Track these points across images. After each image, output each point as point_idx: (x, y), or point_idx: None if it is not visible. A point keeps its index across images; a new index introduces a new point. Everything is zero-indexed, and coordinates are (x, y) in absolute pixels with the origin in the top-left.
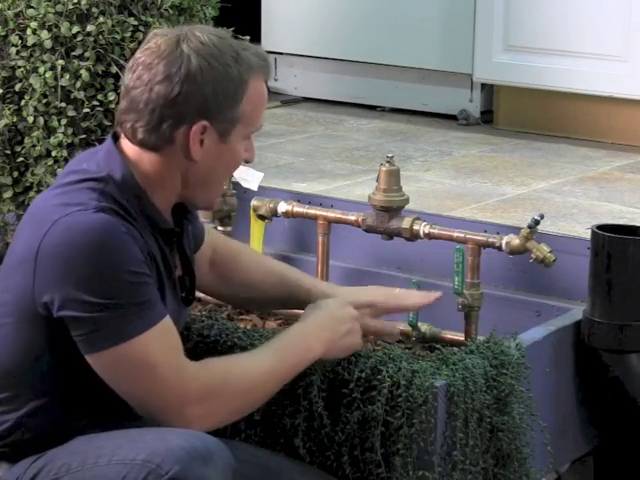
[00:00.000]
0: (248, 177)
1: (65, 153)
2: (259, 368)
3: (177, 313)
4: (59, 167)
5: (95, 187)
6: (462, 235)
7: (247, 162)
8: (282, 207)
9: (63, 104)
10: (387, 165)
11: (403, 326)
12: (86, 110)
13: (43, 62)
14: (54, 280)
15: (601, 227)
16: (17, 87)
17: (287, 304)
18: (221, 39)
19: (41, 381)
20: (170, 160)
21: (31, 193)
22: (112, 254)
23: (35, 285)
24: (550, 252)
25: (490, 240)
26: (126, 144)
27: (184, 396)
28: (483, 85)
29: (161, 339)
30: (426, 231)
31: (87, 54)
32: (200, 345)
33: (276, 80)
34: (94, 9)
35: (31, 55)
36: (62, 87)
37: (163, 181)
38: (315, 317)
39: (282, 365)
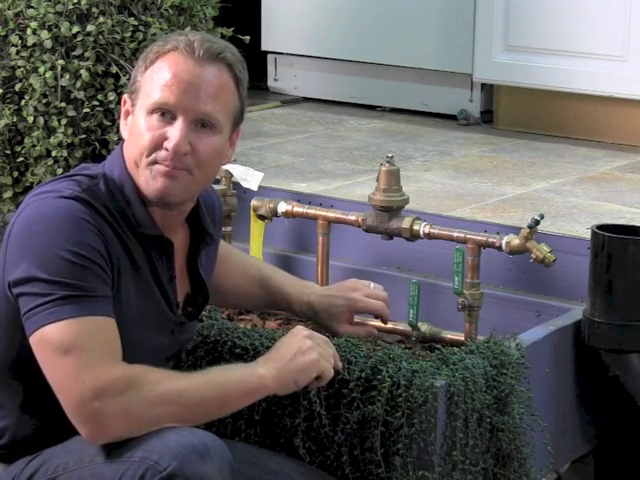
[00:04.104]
0: (248, 177)
1: (65, 153)
2: (189, 378)
3: (164, 324)
4: (59, 167)
5: (82, 181)
6: (462, 235)
7: (166, 149)
8: (282, 207)
9: (63, 104)
10: (387, 165)
11: (403, 326)
12: (86, 110)
13: (43, 62)
14: (14, 258)
15: (601, 227)
16: (17, 87)
17: (271, 309)
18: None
19: (28, 380)
20: None
21: None
22: (61, 232)
23: (5, 265)
24: (550, 252)
25: (490, 240)
26: None
27: (98, 388)
28: (483, 85)
29: (92, 331)
30: (426, 231)
31: (87, 54)
32: (200, 345)
33: (276, 80)
34: (94, 9)
35: (31, 55)
36: (62, 87)
37: None
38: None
39: (219, 378)
